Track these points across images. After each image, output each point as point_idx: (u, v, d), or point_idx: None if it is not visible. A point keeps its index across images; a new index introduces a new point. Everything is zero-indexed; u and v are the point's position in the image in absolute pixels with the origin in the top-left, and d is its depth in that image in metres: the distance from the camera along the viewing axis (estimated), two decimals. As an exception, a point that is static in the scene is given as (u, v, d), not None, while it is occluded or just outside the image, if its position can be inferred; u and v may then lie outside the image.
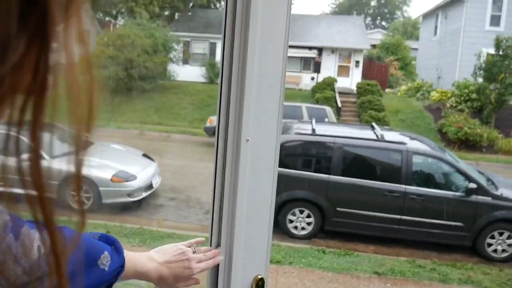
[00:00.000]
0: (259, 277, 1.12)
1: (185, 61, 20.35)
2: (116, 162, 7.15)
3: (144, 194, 6.92)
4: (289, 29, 1.10)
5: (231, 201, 1.10)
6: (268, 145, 1.11)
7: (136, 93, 16.26)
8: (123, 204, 6.80)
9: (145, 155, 7.97)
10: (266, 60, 1.08)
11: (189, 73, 19.70)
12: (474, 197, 6.18)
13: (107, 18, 24.41)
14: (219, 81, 1.10)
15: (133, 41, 16.12)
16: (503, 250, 6.23)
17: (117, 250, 0.89)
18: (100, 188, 6.48)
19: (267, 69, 1.09)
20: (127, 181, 6.65)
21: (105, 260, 0.84)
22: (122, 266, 0.88)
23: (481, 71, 15.69)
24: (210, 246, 1.13)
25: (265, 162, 1.12)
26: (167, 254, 1.03)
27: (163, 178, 8.07)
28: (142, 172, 7.02)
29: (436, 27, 22.41)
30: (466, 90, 16.92)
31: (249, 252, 1.12)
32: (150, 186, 7.06)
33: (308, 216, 6.51)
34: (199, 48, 20.73)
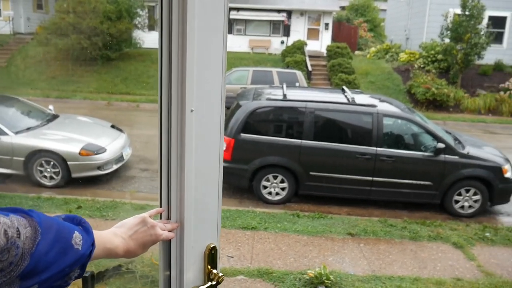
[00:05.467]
0: (212, 245, 1.14)
1: (151, 27, 19.67)
2: (84, 134, 6.93)
3: (115, 167, 6.77)
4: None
5: (178, 174, 1.08)
6: (213, 115, 1.09)
7: (101, 62, 15.68)
8: (94, 178, 6.65)
9: (113, 126, 7.76)
10: (206, 24, 1.03)
11: (155, 40, 19.05)
12: (442, 157, 6.34)
13: (65, -17, 23.18)
14: (158, 53, 1.06)
15: (94, 7, 15.38)
16: (470, 206, 6.48)
17: (85, 229, 0.87)
18: (69, 163, 6.30)
19: (208, 35, 1.04)
20: (96, 154, 6.48)
21: (78, 239, 0.82)
22: (93, 244, 0.87)
23: (448, 32, 15.81)
24: (161, 219, 1.13)
25: (211, 133, 1.10)
26: (130, 227, 1.04)
27: (134, 149, 7.91)
28: (112, 144, 6.85)
29: (404, -13, 22.33)
30: (432, 51, 17.10)
31: (200, 222, 1.12)
32: (120, 158, 6.91)
33: (282, 182, 6.56)
34: (165, 13, 20.04)
